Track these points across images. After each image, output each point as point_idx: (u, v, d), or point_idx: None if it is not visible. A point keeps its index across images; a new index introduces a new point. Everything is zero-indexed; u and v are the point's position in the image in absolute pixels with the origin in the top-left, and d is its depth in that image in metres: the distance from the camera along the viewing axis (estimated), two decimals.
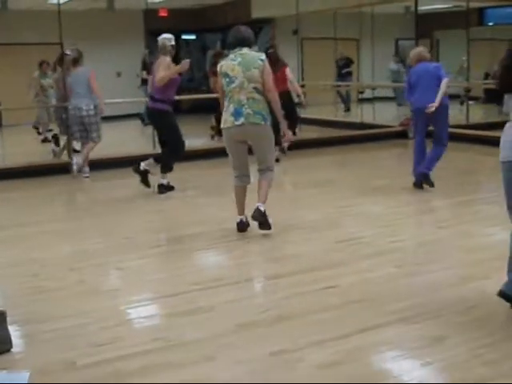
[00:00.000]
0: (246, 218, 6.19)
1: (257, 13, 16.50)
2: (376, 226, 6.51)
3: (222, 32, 19.16)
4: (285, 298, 4.60)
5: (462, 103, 15.25)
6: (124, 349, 3.83)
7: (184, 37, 20.72)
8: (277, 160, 9.47)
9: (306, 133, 13.35)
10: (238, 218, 6.21)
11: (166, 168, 8.21)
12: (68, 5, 13.18)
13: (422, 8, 13.67)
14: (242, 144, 6.11)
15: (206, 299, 4.59)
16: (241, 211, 6.22)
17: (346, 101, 18.01)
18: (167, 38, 8.05)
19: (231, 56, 6.03)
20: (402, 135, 12.64)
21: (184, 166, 9.15)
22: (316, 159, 10.82)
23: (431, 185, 7.70)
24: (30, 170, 9.91)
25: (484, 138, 10.96)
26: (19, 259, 5.75)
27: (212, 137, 13.04)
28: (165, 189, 8.23)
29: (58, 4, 11.39)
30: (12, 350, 3.83)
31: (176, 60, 8.11)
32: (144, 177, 8.19)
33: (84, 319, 4.28)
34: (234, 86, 5.92)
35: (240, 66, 5.92)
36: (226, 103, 6.02)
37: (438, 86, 7.51)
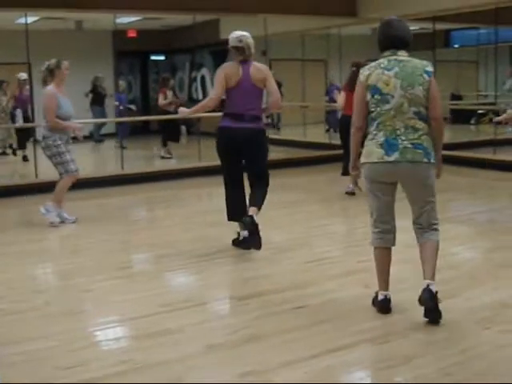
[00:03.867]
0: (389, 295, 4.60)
1: (226, 34, 16.44)
2: (345, 245, 6.53)
3: (190, 53, 19.19)
4: (254, 318, 4.58)
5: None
6: (91, 372, 3.77)
7: (153, 57, 20.73)
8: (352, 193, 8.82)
9: (275, 154, 13.39)
10: (382, 295, 4.55)
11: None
12: (36, 24, 13.13)
13: None
14: (391, 186, 4.49)
15: (174, 321, 4.55)
16: (385, 285, 4.55)
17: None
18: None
19: (382, 61, 4.40)
20: None
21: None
22: (284, 180, 10.83)
23: None
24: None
25: (451, 157, 11.03)
26: None
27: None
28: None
29: (26, 24, 11.37)
30: None
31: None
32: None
33: (50, 342, 4.22)
34: (388, 107, 4.30)
35: (398, 79, 4.30)
36: (371, 128, 4.43)
37: None
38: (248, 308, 4.86)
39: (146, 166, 13.31)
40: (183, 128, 14.14)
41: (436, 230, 4.48)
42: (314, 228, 7.23)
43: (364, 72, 4.40)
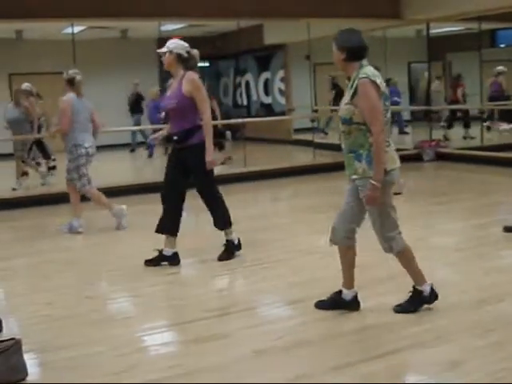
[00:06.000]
0: None
1: (269, 39, 16.59)
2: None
3: (235, 58, 19.29)
4: (301, 323, 4.57)
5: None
6: (139, 376, 3.81)
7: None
8: None
9: (320, 157, 13.38)
10: (429, 285, 4.66)
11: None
12: (82, 34, 13.34)
13: (434, 31, 13.72)
14: None
15: (221, 326, 4.57)
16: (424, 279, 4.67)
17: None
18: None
19: (373, 70, 4.43)
20: (416, 158, 12.59)
21: None
22: (329, 184, 10.79)
23: None
24: (36, 200, 10.00)
25: (499, 159, 10.87)
26: (32, 288, 5.76)
27: None
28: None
29: (72, 33, 11.57)
30: (27, 378, 3.82)
31: None
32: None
33: (99, 347, 4.27)
34: (389, 114, 4.49)
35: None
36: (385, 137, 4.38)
37: None
38: (295, 313, 4.85)
39: None
40: (228, 133, 14.15)
41: None
42: (361, 231, 7.15)
43: (377, 80, 4.35)
